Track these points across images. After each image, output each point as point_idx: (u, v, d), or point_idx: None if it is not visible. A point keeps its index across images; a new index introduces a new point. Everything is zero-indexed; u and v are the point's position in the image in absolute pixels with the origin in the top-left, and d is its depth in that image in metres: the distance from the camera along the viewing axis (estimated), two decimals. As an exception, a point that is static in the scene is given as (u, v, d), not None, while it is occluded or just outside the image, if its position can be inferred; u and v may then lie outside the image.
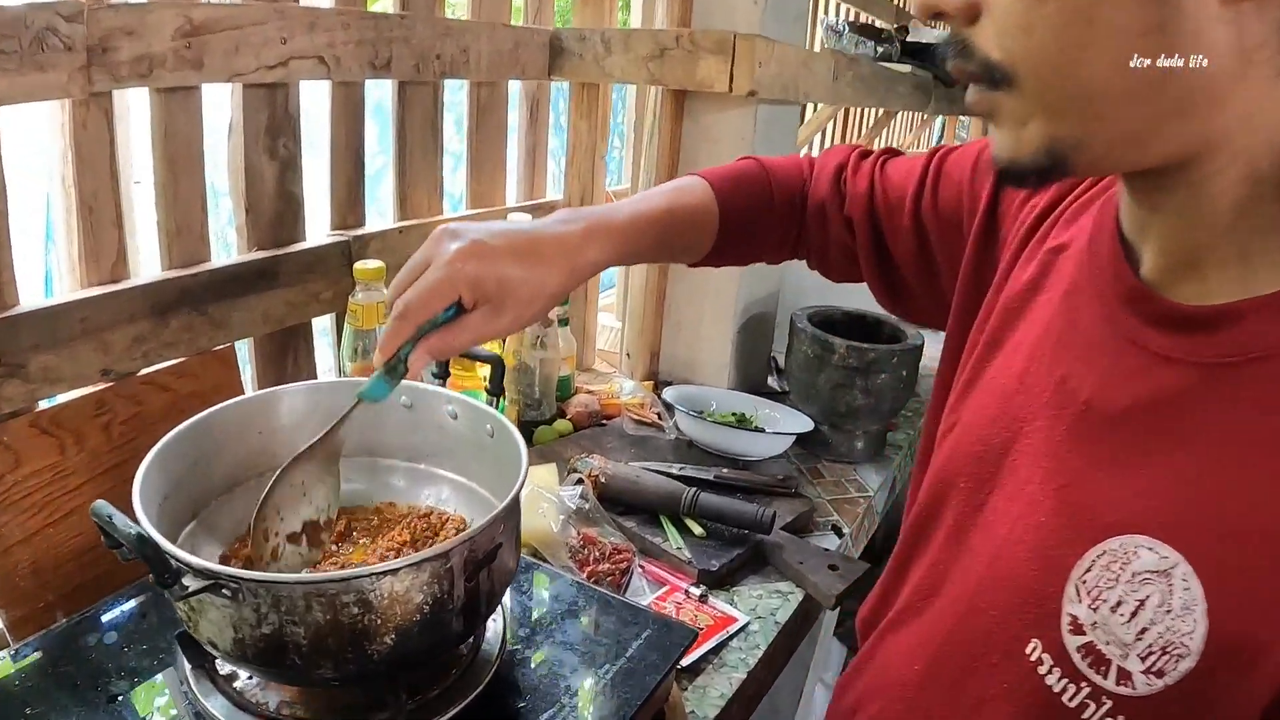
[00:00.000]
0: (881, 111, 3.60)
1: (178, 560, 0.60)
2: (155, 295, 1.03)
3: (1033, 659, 0.57)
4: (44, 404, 0.96)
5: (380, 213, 1.40)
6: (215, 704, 0.72)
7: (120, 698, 0.72)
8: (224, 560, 0.81)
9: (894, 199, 0.89)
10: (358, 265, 1.16)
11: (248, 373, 1.20)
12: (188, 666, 0.74)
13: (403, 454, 0.92)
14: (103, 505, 0.61)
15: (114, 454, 0.98)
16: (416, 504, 0.91)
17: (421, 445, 0.91)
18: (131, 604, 0.84)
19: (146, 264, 1.10)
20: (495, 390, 0.87)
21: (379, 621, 0.62)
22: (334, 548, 0.84)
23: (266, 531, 0.76)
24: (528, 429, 1.40)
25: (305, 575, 0.63)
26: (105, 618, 0.83)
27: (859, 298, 1.69)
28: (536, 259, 0.73)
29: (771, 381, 1.74)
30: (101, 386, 1.00)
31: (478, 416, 0.86)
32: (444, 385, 0.91)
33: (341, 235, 1.25)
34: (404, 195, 1.36)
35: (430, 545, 0.85)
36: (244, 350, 1.19)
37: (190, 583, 0.60)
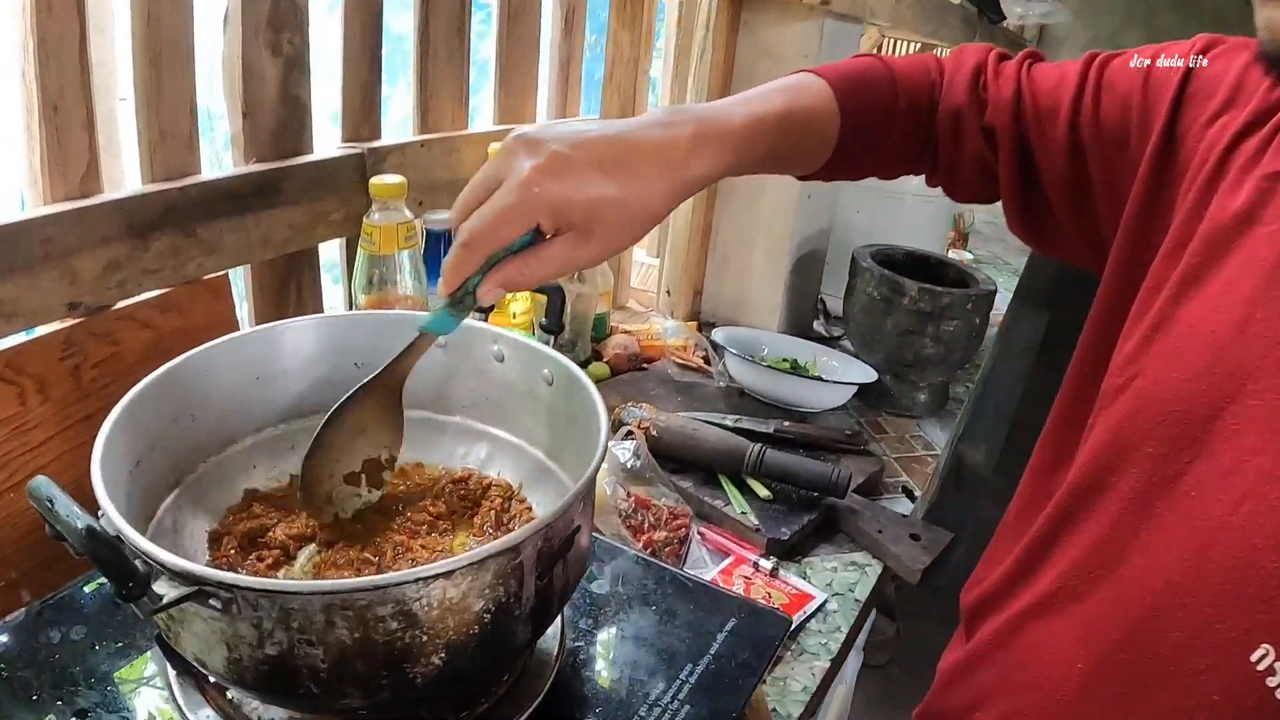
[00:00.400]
0: (919, 46, 3.38)
1: (148, 559, 0.45)
2: (133, 212, 0.86)
3: (1261, 668, 0.48)
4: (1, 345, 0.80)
5: (397, 128, 1.23)
6: (203, 717, 0.57)
7: (90, 715, 0.57)
8: (215, 537, 0.66)
9: (1045, 108, 0.74)
10: (375, 180, 0.99)
11: (243, 309, 1.04)
12: (171, 672, 0.59)
13: (434, 404, 0.76)
14: (42, 484, 0.47)
15: (84, 404, 0.82)
16: (450, 466, 0.75)
17: (457, 393, 0.75)
18: (93, 600, 0.68)
19: (126, 180, 0.93)
20: (553, 327, 0.71)
21: (425, 638, 0.47)
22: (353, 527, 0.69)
23: (318, 474, 0.64)
24: (562, 374, 1.24)
25: (326, 584, 0.48)
26: (75, 604, 0.67)
27: (920, 235, 1.54)
28: (632, 174, 0.58)
29: (818, 326, 1.58)
30: (69, 323, 0.83)
31: (531, 359, 0.70)
32: (486, 320, 0.75)
33: (355, 147, 1.07)
34: (425, 106, 1.18)
35: (470, 517, 0.70)
36: (239, 281, 1.03)
37: (165, 589, 0.44)
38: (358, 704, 0.49)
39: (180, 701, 0.57)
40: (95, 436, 0.55)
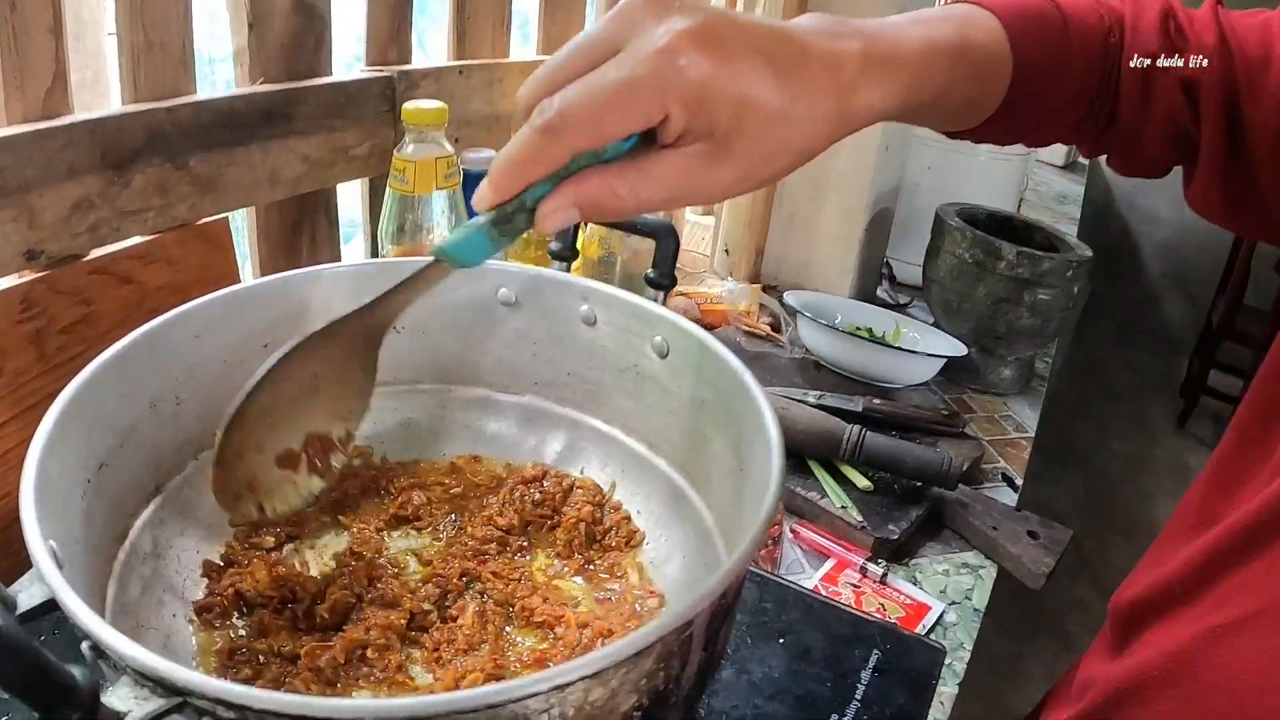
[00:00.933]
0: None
1: (101, 648, 0.29)
2: (110, 138, 0.70)
3: None
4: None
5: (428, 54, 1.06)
6: None
7: None
8: (225, 564, 0.49)
9: (1255, 57, 0.60)
10: (410, 105, 0.82)
11: (246, 267, 0.88)
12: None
13: (497, 380, 0.60)
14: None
15: (49, 378, 0.67)
16: (518, 462, 0.59)
17: (528, 366, 0.59)
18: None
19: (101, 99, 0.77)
20: (664, 281, 0.55)
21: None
22: (381, 538, 0.53)
23: (242, 445, 0.46)
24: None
25: (410, 700, 0.31)
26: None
27: (993, 196, 1.38)
28: (803, 82, 0.41)
29: (882, 292, 1.42)
30: (28, 277, 0.67)
31: (635, 322, 0.53)
32: (569, 270, 0.59)
33: (382, 70, 0.90)
34: (463, 29, 1.01)
35: (550, 530, 0.54)
36: (240, 227, 0.87)
37: (125, 703, 0.28)
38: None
39: None
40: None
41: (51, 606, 0.32)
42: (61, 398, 0.41)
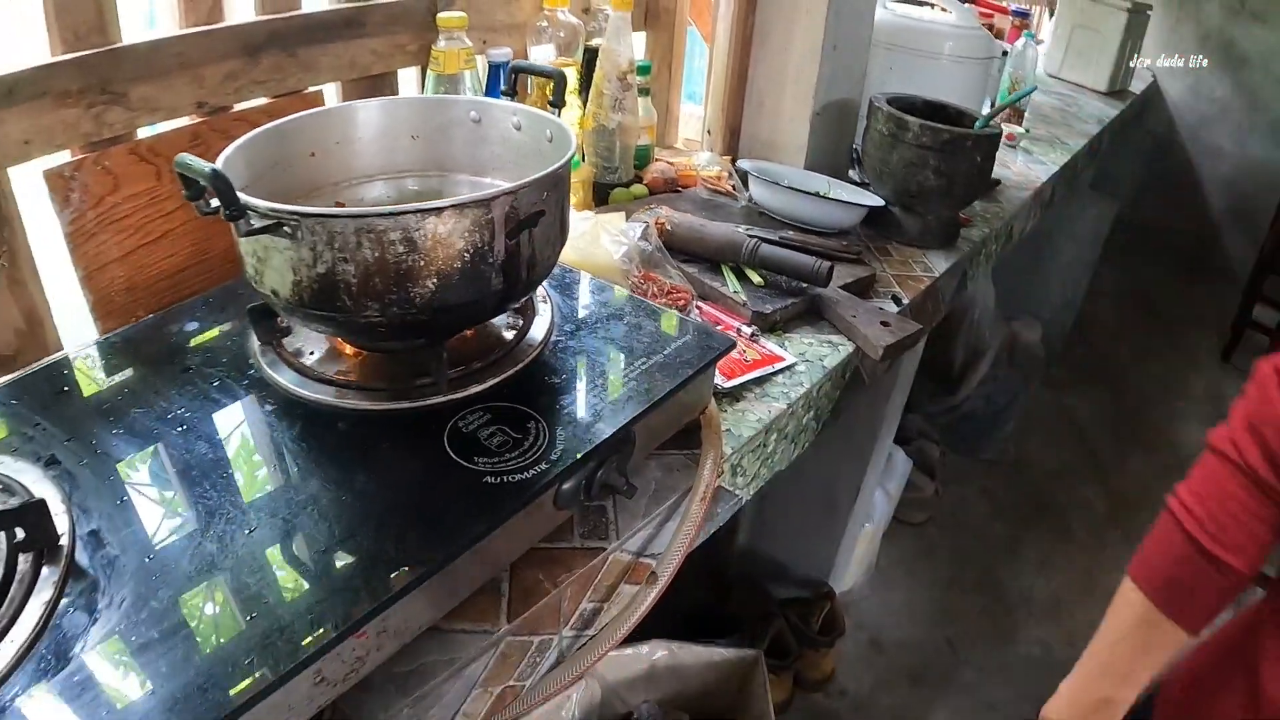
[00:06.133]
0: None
1: (245, 205, 0.68)
2: (247, 36, 1.10)
3: None
4: (143, 133, 1.05)
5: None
6: (284, 375, 0.81)
7: (191, 369, 0.82)
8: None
9: None
10: (441, 15, 1.20)
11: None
12: (258, 346, 0.84)
13: (469, 168, 0.98)
14: (184, 156, 0.69)
15: (205, 181, 1.07)
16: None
17: (487, 158, 0.97)
18: (206, 307, 0.95)
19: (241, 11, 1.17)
20: (557, 102, 0.92)
21: (422, 263, 0.69)
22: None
23: None
24: (603, 190, 1.45)
25: (356, 210, 0.69)
26: (186, 314, 0.94)
27: (955, 96, 1.67)
28: None
29: (853, 174, 1.73)
30: (197, 120, 1.08)
31: (538, 123, 0.91)
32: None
33: (426, -9, 1.29)
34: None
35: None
36: (331, 97, 1.26)
37: (256, 222, 0.67)
38: (375, 318, 0.72)
39: (263, 364, 0.82)
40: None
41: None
42: (228, 150, 0.79)
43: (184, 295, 1.05)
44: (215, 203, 0.69)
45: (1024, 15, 2.43)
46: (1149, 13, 2.86)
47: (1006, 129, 2.19)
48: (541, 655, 0.80)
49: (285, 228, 0.68)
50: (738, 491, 1.03)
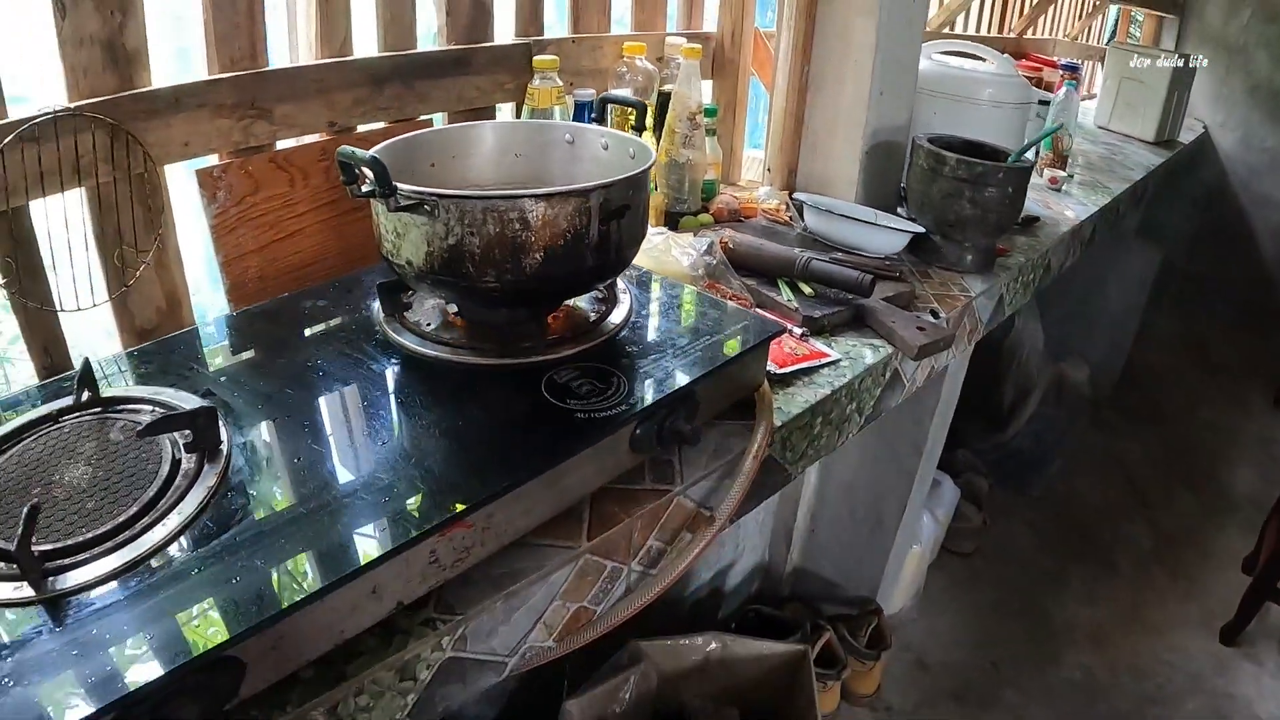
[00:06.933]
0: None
1: (395, 187, 0.86)
2: (373, 69, 1.30)
3: None
4: (281, 145, 1.23)
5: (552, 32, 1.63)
6: (406, 338, 0.98)
7: (325, 333, 1.00)
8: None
9: None
10: (537, 57, 1.40)
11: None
12: (382, 316, 1.01)
13: (564, 181, 1.15)
14: (346, 149, 0.87)
15: (331, 192, 1.26)
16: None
17: (579, 174, 1.14)
18: (333, 290, 1.12)
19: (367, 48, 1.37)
20: (639, 127, 1.09)
21: (533, 239, 0.87)
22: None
23: None
24: (674, 218, 1.62)
25: (483, 192, 0.86)
26: (317, 294, 1.12)
27: (994, 136, 1.82)
28: None
29: (900, 211, 1.89)
30: (327, 138, 1.28)
31: (623, 143, 1.08)
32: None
33: (524, 39, 1.49)
34: (578, 14, 1.59)
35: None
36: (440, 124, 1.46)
37: (404, 201, 0.85)
38: (492, 284, 0.89)
39: (388, 330, 0.99)
40: (336, 215, 0.96)
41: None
42: (372, 150, 0.98)
43: (307, 286, 1.23)
44: (367, 187, 0.86)
45: (1073, 69, 2.57)
46: (1197, 64, 2.98)
47: (1049, 173, 2.33)
48: (613, 583, 0.95)
49: (426, 205, 0.85)
50: (788, 467, 1.18)
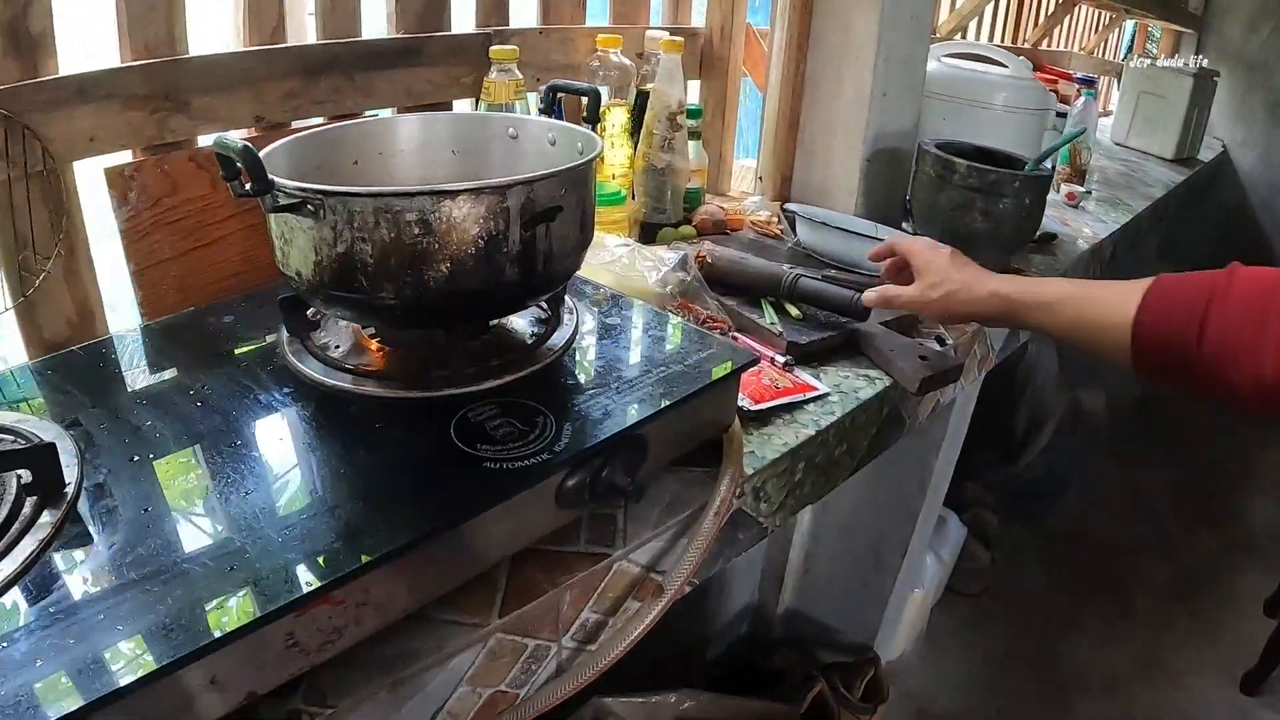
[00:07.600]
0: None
1: (273, 182, 0.70)
2: (308, 58, 1.15)
3: None
4: (203, 142, 1.09)
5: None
6: (307, 364, 0.83)
7: (221, 355, 0.85)
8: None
9: None
10: (494, 47, 1.25)
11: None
12: (286, 337, 0.86)
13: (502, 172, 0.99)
14: (222, 134, 0.72)
15: (258, 197, 1.11)
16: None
17: (524, 172, 0.98)
18: (244, 305, 0.98)
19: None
20: (591, 119, 0.94)
21: (436, 245, 0.71)
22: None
23: None
24: (652, 229, 1.46)
25: (374, 189, 0.71)
26: (224, 309, 0.98)
27: (1007, 144, 1.66)
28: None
29: (905, 226, 1.73)
30: (254, 132, 1.13)
31: (572, 137, 0.93)
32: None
33: (484, 29, 1.33)
34: (549, 3, 1.44)
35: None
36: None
37: (282, 199, 0.70)
38: (390, 300, 0.73)
39: (292, 356, 0.84)
40: (264, 224, 0.80)
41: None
42: (273, 145, 0.83)
43: (228, 286, 1.09)
44: (250, 185, 0.71)
45: (1089, 82, 2.42)
46: (1216, 79, 2.82)
47: (1067, 188, 2.17)
48: (538, 662, 0.79)
49: (309, 205, 0.70)
50: (762, 520, 1.01)
